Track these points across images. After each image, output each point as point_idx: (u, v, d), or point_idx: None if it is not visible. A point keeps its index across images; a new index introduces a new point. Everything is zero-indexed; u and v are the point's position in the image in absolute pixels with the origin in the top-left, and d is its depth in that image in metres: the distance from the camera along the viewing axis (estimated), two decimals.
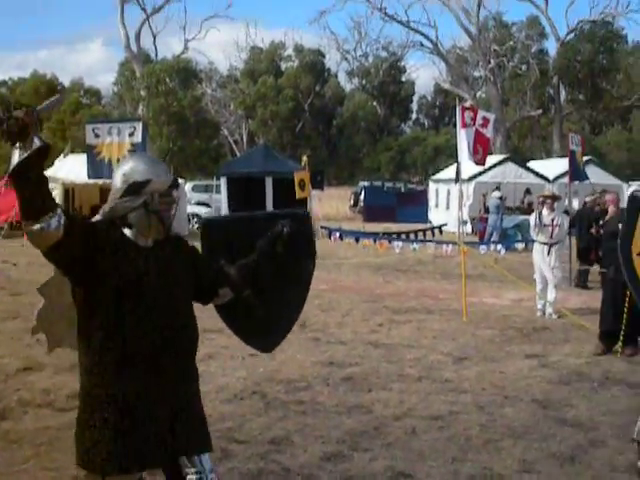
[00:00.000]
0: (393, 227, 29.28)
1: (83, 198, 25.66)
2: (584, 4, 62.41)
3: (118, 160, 15.74)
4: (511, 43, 58.29)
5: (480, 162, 14.05)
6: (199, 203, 34.53)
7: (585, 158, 16.73)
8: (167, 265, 3.77)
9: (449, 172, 29.55)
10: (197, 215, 29.49)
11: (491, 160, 29.94)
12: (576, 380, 8.66)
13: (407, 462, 6.05)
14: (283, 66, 74.47)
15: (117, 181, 3.72)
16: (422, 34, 56.30)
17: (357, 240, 17.70)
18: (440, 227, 27.10)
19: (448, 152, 50.38)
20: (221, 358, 9.25)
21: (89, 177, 16.43)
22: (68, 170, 25.47)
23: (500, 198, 26.28)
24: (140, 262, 3.67)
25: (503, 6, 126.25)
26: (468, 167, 15.99)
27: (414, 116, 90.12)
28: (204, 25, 71.35)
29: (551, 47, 71.53)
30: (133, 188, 3.66)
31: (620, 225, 4.35)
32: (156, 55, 65.71)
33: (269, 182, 29.79)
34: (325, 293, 14.31)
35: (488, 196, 27.38)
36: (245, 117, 67.64)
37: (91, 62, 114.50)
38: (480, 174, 27.25)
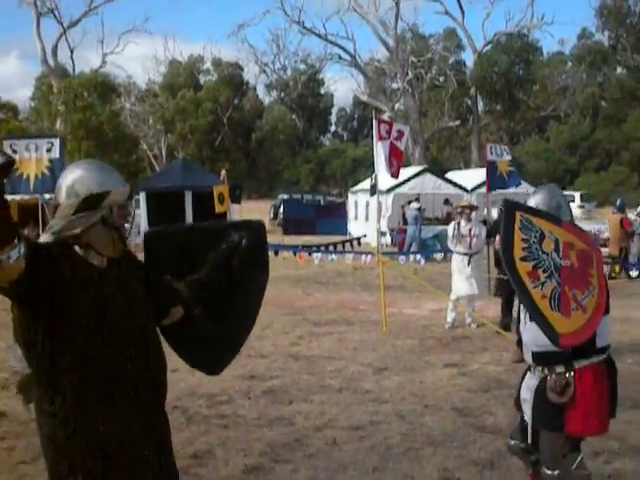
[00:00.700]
0: (313, 239, 29.40)
1: None
2: (500, 17, 64.45)
3: (37, 176, 15.57)
4: (429, 55, 59.07)
5: (394, 175, 14.16)
6: None
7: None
8: (125, 284, 3.37)
9: (368, 184, 29.78)
10: None
11: (409, 171, 30.33)
12: (495, 387, 8.79)
13: (328, 473, 6.09)
14: (202, 80, 74.39)
15: (64, 194, 3.26)
16: (340, 47, 56.64)
17: (276, 253, 17.63)
18: (359, 239, 27.39)
19: (367, 164, 50.83)
20: None
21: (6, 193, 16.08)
22: None
23: (418, 209, 26.60)
24: (103, 285, 3.25)
25: (420, 18, 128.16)
26: (386, 179, 16.13)
27: (333, 128, 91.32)
28: (122, 39, 70.38)
29: (468, 59, 73.04)
30: (90, 201, 3.22)
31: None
32: (74, 69, 64.64)
33: (188, 196, 29.54)
34: None
35: (407, 207, 27.67)
36: (164, 131, 67.19)
37: (7, 76, 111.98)
38: (399, 185, 27.47)
